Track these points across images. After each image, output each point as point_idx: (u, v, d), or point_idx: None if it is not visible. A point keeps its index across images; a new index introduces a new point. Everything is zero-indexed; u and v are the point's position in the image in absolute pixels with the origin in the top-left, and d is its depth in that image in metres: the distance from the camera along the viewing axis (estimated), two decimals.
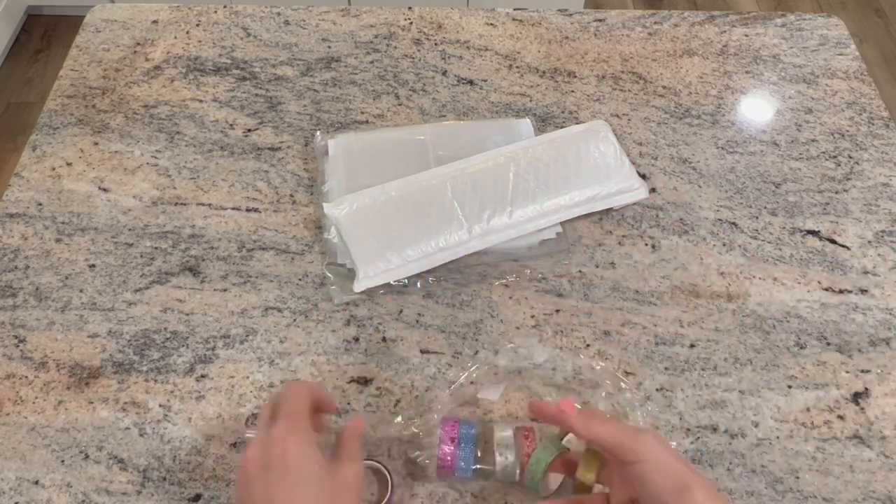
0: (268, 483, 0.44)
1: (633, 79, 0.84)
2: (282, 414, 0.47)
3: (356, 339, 0.64)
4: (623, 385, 0.61)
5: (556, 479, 0.55)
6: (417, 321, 0.65)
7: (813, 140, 0.79)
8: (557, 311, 0.66)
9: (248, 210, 0.73)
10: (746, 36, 0.89)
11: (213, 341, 0.64)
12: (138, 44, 0.88)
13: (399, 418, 0.59)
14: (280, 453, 0.44)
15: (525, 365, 0.62)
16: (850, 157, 0.77)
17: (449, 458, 0.54)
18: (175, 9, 0.92)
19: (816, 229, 0.72)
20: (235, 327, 0.65)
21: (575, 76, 0.85)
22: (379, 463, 0.56)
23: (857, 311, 0.66)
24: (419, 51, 0.87)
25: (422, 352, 0.64)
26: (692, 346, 0.64)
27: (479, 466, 0.55)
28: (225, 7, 0.92)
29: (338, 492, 0.45)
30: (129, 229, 0.71)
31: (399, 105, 0.82)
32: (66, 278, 0.68)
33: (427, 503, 0.56)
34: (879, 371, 0.63)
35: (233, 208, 0.73)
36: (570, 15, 0.92)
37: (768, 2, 2.37)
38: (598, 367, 0.61)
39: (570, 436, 0.54)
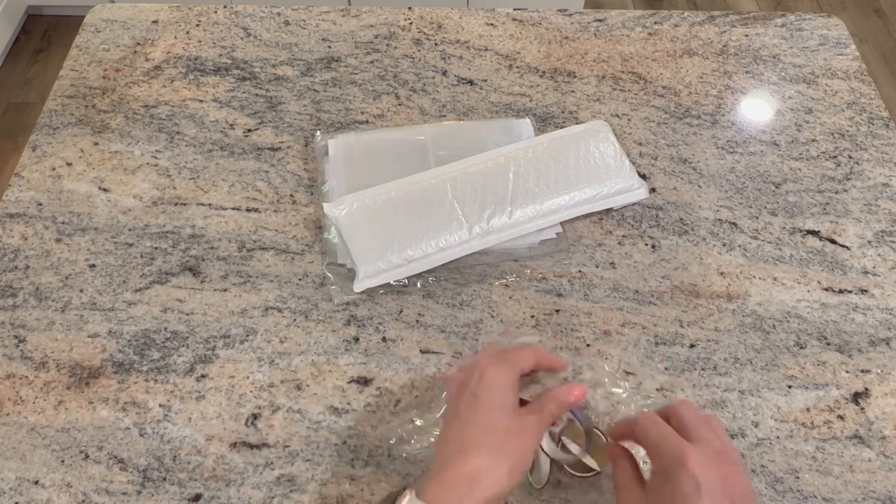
0: (461, 400, 0.49)
1: (633, 79, 0.84)
2: (497, 354, 0.51)
3: (356, 339, 0.64)
4: (623, 385, 0.61)
5: (545, 464, 0.55)
6: (417, 321, 0.65)
7: (813, 140, 0.79)
8: (557, 311, 0.66)
9: (248, 210, 0.73)
10: (746, 36, 0.89)
11: (213, 341, 0.64)
12: (138, 44, 0.88)
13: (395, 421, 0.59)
14: (478, 377, 0.49)
15: None
16: (850, 157, 0.77)
17: None
18: (175, 9, 0.92)
19: (816, 229, 0.72)
20: (235, 327, 0.65)
21: (575, 76, 0.85)
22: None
23: (857, 311, 0.66)
24: (419, 51, 0.87)
25: (422, 352, 0.64)
26: (692, 346, 0.64)
27: None
28: (225, 7, 0.92)
29: (518, 429, 0.48)
30: (130, 229, 0.71)
31: (399, 105, 0.82)
32: (66, 278, 0.68)
33: None
34: (879, 371, 0.63)
35: (233, 208, 0.73)
36: (570, 15, 0.92)
37: (768, 2, 2.37)
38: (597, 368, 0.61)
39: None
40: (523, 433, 0.48)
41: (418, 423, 0.57)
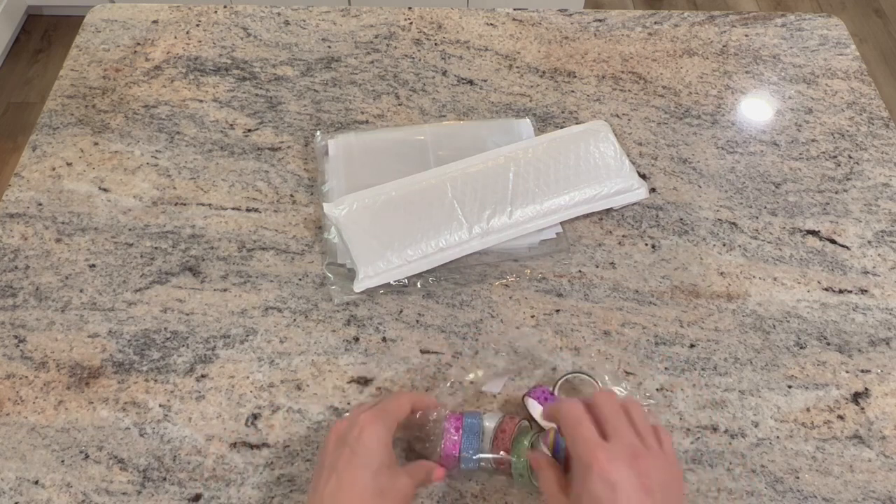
0: (340, 454, 0.50)
1: (633, 79, 0.84)
2: (376, 407, 0.52)
3: (356, 339, 0.64)
4: (623, 385, 0.61)
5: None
6: (417, 321, 0.65)
7: (813, 140, 0.79)
8: (557, 311, 0.66)
9: (248, 210, 0.73)
10: (746, 36, 0.89)
11: (213, 341, 0.64)
12: (138, 44, 0.88)
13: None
14: (356, 435, 0.50)
15: (525, 365, 0.62)
16: (850, 157, 0.77)
17: (453, 448, 0.54)
18: (175, 9, 0.92)
19: (816, 229, 0.72)
20: (235, 327, 0.65)
21: (575, 76, 0.85)
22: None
23: (857, 311, 0.66)
24: (419, 51, 0.87)
25: (422, 352, 0.64)
26: (692, 346, 0.64)
27: (484, 456, 0.55)
28: (225, 7, 0.92)
29: (392, 490, 0.49)
30: (130, 229, 0.71)
31: (399, 105, 0.82)
32: (66, 278, 0.68)
33: (427, 503, 0.56)
34: (879, 371, 0.63)
35: (233, 208, 0.73)
36: (570, 15, 0.92)
37: (768, 2, 2.37)
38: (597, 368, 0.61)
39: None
40: (398, 495, 0.49)
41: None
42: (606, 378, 0.61)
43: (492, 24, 0.90)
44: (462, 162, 0.74)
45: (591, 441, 0.46)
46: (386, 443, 0.50)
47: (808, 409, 0.61)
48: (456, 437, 0.55)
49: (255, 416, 0.60)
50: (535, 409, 0.57)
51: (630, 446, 0.45)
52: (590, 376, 0.61)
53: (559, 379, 0.60)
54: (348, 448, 0.49)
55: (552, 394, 0.59)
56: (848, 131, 0.80)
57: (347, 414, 0.58)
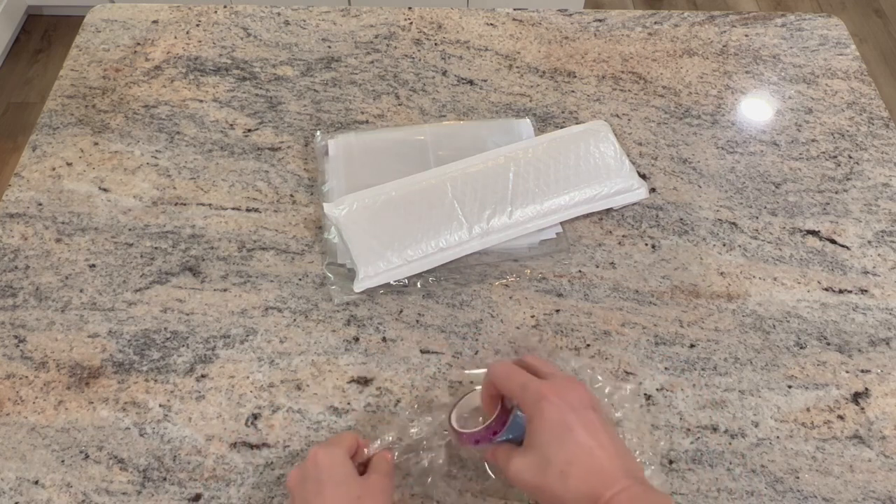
0: (305, 491, 0.49)
1: (633, 79, 0.84)
2: (319, 446, 0.53)
3: (356, 339, 0.64)
4: (624, 384, 0.61)
5: None
6: (417, 321, 0.65)
7: (813, 140, 0.79)
8: (557, 311, 0.66)
9: (248, 210, 0.73)
10: (746, 36, 0.89)
11: (213, 341, 0.64)
12: (138, 44, 0.88)
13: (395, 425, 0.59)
14: (312, 465, 0.50)
15: None
16: (850, 157, 0.77)
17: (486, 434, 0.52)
18: (175, 9, 0.92)
19: (816, 229, 0.72)
20: (235, 327, 0.65)
21: (575, 76, 0.85)
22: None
23: (857, 311, 0.66)
24: (419, 51, 0.87)
25: (422, 352, 0.64)
26: (692, 346, 0.64)
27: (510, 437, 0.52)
28: (225, 7, 0.92)
29: (368, 492, 0.50)
30: (130, 229, 0.71)
31: (399, 105, 0.82)
32: (66, 278, 0.68)
33: (427, 503, 0.56)
34: (879, 371, 0.63)
35: (233, 208, 0.73)
36: (570, 15, 0.92)
37: (768, 2, 2.37)
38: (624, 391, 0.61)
39: None
40: (375, 493, 0.50)
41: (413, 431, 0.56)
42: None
43: (492, 24, 0.90)
44: (462, 162, 0.74)
45: (532, 380, 0.50)
46: (343, 460, 0.51)
47: (808, 409, 0.61)
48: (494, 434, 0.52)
49: (255, 416, 0.60)
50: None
51: (567, 378, 0.51)
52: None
53: (450, 412, 0.56)
54: (311, 481, 0.50)
55: (455, 429, 0.54)
56: (848, 131, 0.80)
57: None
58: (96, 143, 0.78)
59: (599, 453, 0.46)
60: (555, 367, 0.54)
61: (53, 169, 0.76)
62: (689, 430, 0.59)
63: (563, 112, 0.81)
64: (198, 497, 0.56)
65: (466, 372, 0.62)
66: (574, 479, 0.45)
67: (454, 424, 0.54)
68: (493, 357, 0.63)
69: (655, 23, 0.91)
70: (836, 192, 0.75)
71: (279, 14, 0.91)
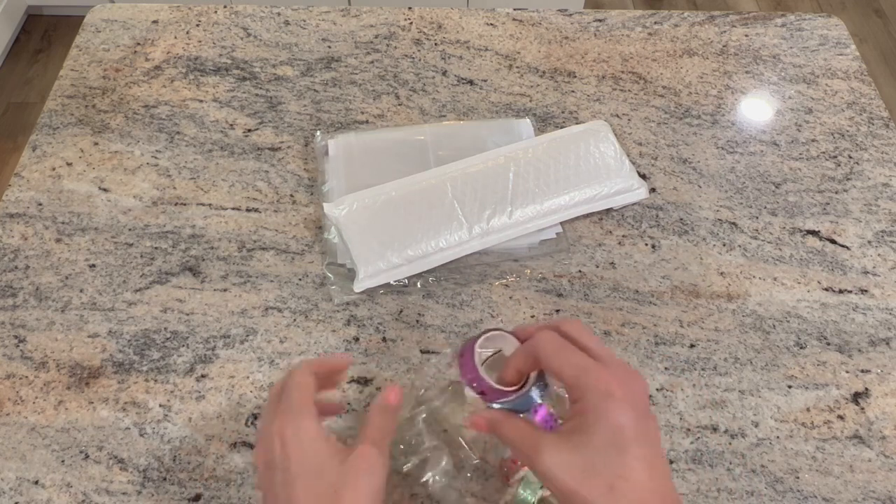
0: (273, 482, 0.43)
1: (633, 79, 0.84)
2: (280, 409, 0.45)
3: (356, 339, 0.64)
4: None
5: None
6: (417, 321, 0.65)
7: (813, 140, 0.79)
8: (557, 311, 0.66)
9: (248, 210, 0.73)
10: (746, 36, 0.89)
11: (213, 341, 0.64)
12: (138, 44, 0.88)
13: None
14: (279, 448, 0.43)
15: None
16: (850, 157, 0.77)
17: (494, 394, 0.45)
18: (175, 9, 0.92)
19: (816, 229, 0.72)
20: (235, 327, 0.65)
21: (575, 76, 0.85)
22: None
23: (857, 311, 0.66)
24: (419, 51, 0.87)
25: (422, 352, 0.64)
26: (692, 346, 0.64)
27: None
28: (225, 7, 0.92)
29: (344, 480, 0.42)
30: (130, 229, 0.71)
31: (399, 105, 0.82)
32: (66, 278, 0.68)
33: (427, 503, 0.56)
34: (879, 371, 0.63)
35: (233, 208, 0.73)
36: (570, 15, 0.92)
37: (768, 2, 2.37)
38: None
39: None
40: (356, 479, 0.42)
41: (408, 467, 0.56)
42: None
43: (492, 24, 0.90)
44: (462, 162, 0.74)
45: (594, 367, 0.41)
46: (314, 437, 0.43)
47: (808, 409, 0.61)
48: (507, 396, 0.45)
49: (256, 416, 0.60)
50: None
51: (622, 365, 0.42)
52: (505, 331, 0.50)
53: (478, 338, 0.48)
54: (279, 471, 0.43)
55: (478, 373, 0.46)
56: (848, 131, 0.80)
57: (256, 431, 0.52)
58: (96, 143, 0.78)
59: (656, 475, 0.40)
60: (601, 343, 0.44)
61: (53, 169, 0.76)
62: (689, 430, 0.59)
63: (563, 112, 0.81)
64: (198, 497, 0.56)
65: None
66: (624, 498, 0.38)
67: (477, 363, 0.46)
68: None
69: (655, 23, 0.91)
70: (836, 192, 0.75)
71: (279, 14, 0.91)
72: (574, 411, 0.41)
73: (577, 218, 0.72)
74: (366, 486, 0.42)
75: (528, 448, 0.42)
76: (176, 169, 0.76)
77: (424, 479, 0.55)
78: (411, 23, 0.90)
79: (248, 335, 0.64)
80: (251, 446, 0.58)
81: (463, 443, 0.56)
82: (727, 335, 0.65)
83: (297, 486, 0.42)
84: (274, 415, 0.45)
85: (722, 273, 0.69)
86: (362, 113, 0.81)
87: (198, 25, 0.90)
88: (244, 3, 0.96)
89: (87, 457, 0.58)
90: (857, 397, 0.61)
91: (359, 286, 0.66)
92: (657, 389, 0.62)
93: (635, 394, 0.41)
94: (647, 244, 0.71)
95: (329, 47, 0.87)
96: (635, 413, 0.40)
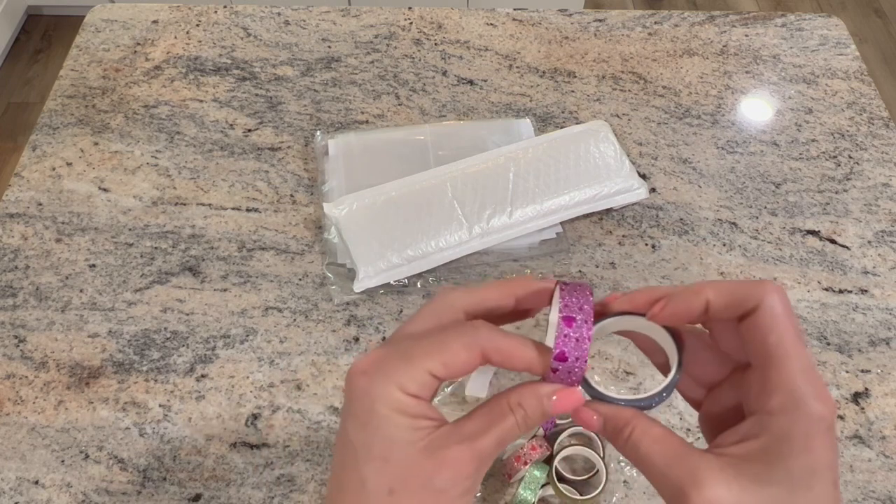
0: (337, 446, 0.31)
1: (633, 79, 0.84)
2: (396, 337, 0.32)
3: (356, 339, 0.64)
4: (624, 384, 0.61)
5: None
6: None
7: (813, 140, 0.79)
8: None
9: (248, 210, 0.73)
10: (746, 36, 0.89)
11: (213, 341, 0.64)
12: (138, 44, 0.88)
13: None
14: (347, 399, 0.31)
15: None
16: (850, 157, 0.77)
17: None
18: (175, 9, 0.92)
19: (816, 229, 0.72)
20: (235, 327, 0.65)
21: (575, 76, 0.85)
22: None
23: (857, 311, 0.66)
24: (419, 51, 0.87)
25: None
26: None
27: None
28: (225, 7, 0.92)
29: (412, 486, 0.29)
30: (129, 229, 0.71)
31: (399, 105, 0.82)
32: (66, 278, 0.68)
33: None
34: (879, 371, 0.63)
35: (233, 208, 0.73)
36: (570, 15, 0.92)
37: (768, 2, 2.37)
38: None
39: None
40: (421, 487, 0.29)
41: None
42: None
43: (492, 24, 0.90)
44: (462, 162, 0.74)
45: (819, 384, 0.29)
46: (396, 409, 0.29)
47: None
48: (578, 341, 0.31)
49: (255, 416, 0.60)
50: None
51: (814, 369, 0.29)
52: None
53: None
54: (342, 422, 0.31)
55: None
56: (848, 131, 0.80)
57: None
58: (96, 143, 0.78)
59: None
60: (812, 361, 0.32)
61: (53, 169, 0.76)
62: (689, 429, 0.59)
63: (563, 112, 0.81)
64: (198, 497, 0.56)
65: None
66: None
67: (592, 381, 0.33)
68: None
69: (655, 23, 0.91)
70: (836, 192, 0.75)
71: (279, 14, 0.91)
72: (757, 427, 0.29)
73: (577, 218, 0.72)
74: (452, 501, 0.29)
75: (678, 472, 0.29)
76: (176, 169, 0.76)
77: None
78: (411, 23, 0.90)
79: (248, 335, 0.64)
80: (251, 446, 0.58)
81: None
82: None
83: (350, 456, 0.30)
84: (388, 342, 0.32)
85: (722, 273, 0.69)
86: (362, 113, 0.81)
87: (198, 25, 0.90)
88: (244, 3, 0.96)
89: (87, 457, 0.58)
90: (857, 397, 0.61)
91: (359, 286, 0.66)
92: None
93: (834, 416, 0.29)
94: (647, 244, 0.71)
95: (329, 47, 0.87)
96: (834, 441, 0.29)
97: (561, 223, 0.71)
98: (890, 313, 0.66)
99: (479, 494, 0.56)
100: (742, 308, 0.30)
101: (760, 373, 0.29)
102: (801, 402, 0.28)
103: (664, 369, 0.32)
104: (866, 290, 0.68)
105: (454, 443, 0.29)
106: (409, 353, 0.30)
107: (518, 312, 0.35)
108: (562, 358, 0.30)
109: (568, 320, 0.30)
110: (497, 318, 0.34)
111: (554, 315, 0.32)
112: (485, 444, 0.30)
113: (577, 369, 0.30)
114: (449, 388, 0.60)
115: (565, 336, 0.30)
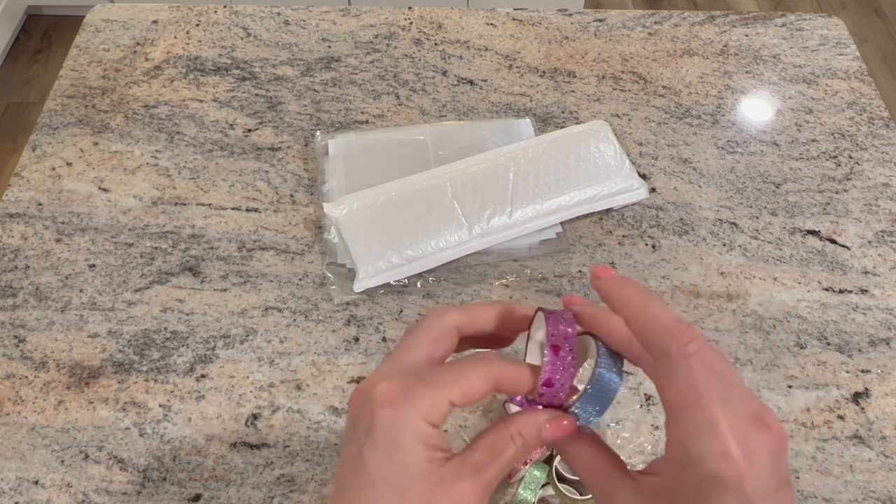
0: (349, 455, 0.32)
1: (633, 79, 0.84)
2: (398, 358, 0.33)
3: (356, 339, 0.64)
4: (623, 384, 0.61)
5: None
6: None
7: (813, 140, 0.79)
8: None
9: (248, 210, 0.73)
10: (746, 36, 0.89)
11: (213, 341, 0.64)
12: (138, 44, 0.88)
13: None
14: (368, 421, 0.31)
15: None
16: (851, 157, 0.77)
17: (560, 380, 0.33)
18: (175, 9, 0.92)
19: (816, 229, 0.72)
20: (235, 327, 0.65)
21: (575, 76, 0.85)
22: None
23: (857, 311, 0.66)
24: (419, 51, 0.87)
25: None
26: None
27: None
28: (225, 7, 0.92)
29: None
30: (129, 229, 0.71)
31: (399, 105, 0.82)
32: (66, 278, 0.68)
33: None
34: (879, 371, 0.63)
35: (233, 208, 0.73)
36: (570, 15, 0.92)
37: (768, 2, 2.37)
38: None
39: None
40: None
41: None
42: None
43: (492, 24, 0.90)
44: (462, 162, 0.74)
45: (722, 419, 0.28)
46: (413, 435, 0.30)
47: (808, 409, 0.61)
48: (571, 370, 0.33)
49: (255, 416, 0.60)
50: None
51: (746, 400, 0.29)
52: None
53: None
54: (356, 446, 0.31)
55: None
56: (848, 131, 0.80)
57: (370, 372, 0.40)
58: (96, 143, 0.78)
59: None
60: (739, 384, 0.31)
61: (53, 169, 0.76)
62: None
63: (563, 112, 0.81)
64: (198, 497, 0.56)
65: None
66: None
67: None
68: None
69: (655, 23, 0.91)
70: (837, 192, 0.75)
71: (279, 14, 0.91)
72: (669, 462, 0.30)
73: (577, 218, 0.72)
74: None
75: (597, 494, 0.32)
76: (176, 169, 0.76)
77: None
78: (411, 23, 0.90)
79: (247, 335, 0.64)
80: (251, 446, 0.58)
81: (465, 440, 0.56)
82: (727, 335, 0.65)
83: (364, 488, 0.31)
84: (394, 364, 0.33)
85: (722, 273, 0.69)
86: (362, 113, 0.81)
87: (198, 25, 0.90)
88: (244, 3, 0.96)
89: (86, 457, 0.58)
90: (857, 397, 0.61)
91: (359, 286, 0.66)
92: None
93: (764, 461, 0.27)
94: (647, 244, 0.71)
95: (329, 47, 0.87)
96: (760, 496, 0.27)
97: (561, 223, 0.71)
98: (890, 313, 0.66)
99: None
100: (648, 349, 0.31)
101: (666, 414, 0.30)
102: (695, 461, 0.28)
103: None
104: (866, 290, 0.68)
105: (464, 478, 0.31)
106: (432, 383, 0.31)
107: (496, 339, 0.36)
108: (549, 384, 0.33)
109: (555, 349, 0.33)
110: (479, 340, 0.36)
111: (539, 334, 0.36)
112: (491, 476, 0.32)
113: (561, 394, 0.33)
114: None
115: (553, 365, 0.33)
